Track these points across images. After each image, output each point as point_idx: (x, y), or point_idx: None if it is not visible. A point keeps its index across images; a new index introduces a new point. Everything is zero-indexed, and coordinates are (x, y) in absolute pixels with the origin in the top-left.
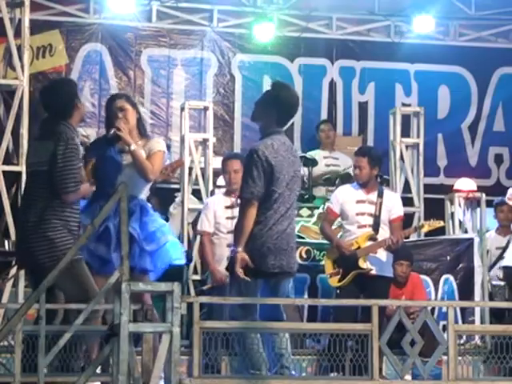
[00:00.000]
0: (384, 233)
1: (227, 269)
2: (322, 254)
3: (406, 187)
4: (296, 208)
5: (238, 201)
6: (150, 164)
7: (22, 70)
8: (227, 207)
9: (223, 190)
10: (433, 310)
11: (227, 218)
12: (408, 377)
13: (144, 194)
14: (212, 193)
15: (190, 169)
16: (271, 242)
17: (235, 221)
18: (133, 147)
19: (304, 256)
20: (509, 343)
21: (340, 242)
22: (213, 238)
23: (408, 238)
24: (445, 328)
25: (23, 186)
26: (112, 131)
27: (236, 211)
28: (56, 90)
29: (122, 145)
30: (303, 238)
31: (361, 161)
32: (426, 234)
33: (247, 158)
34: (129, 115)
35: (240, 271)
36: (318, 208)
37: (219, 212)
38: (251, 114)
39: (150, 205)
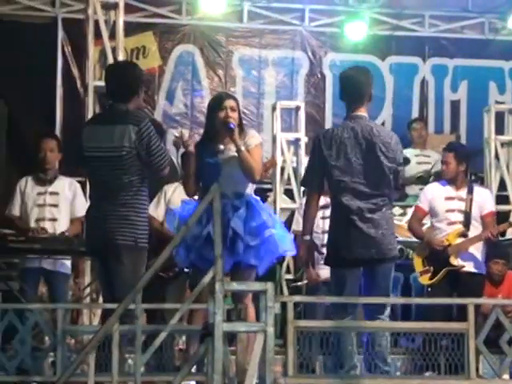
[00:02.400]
0: (475, 230)
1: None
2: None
3: (502, 185)
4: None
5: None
6: (255, 162)
7: None
8: (321, 207)
9: None
10: None
11: (321, 217)
12: (506, 376)
13: (250, 188)
14: (304, 193)
15: (282, 168)
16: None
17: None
18: (241, 150)
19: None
20: None
21: (431, 238)
22: None
23: (504, 233)
24: None
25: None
26: (228, 129)
27: (328, 211)
28: (122, 71)
29: (215, 147)
30: (396, 236)
31: (447, 156)
32: None
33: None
34: (238, 117)
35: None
36: (410, 206)
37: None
38: None
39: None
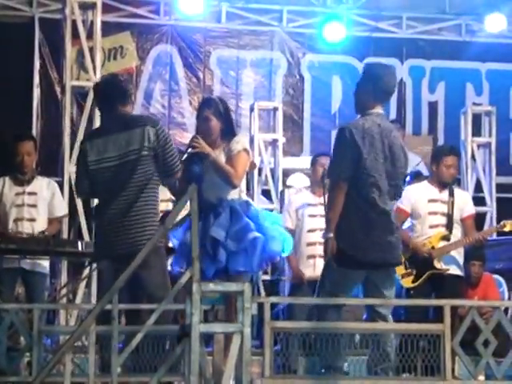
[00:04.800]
0: (457, 232)
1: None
2: None
3: (478, 187)
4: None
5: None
6: (232, 168)
7: (94, 72)
8: (310, 205)
9: (303, 187)
10: (506, 309)
11: (309, 216)
12: (481, 377)
13: (234, 193)
14: (282, 193)
15: (260, 169)
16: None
17: (316, 219)
18: (211, 158)
19: None
20: None
21: (417, 244)
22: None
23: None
24: None
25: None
26: (189, 150)
27: (317, 210)
28: (116, 82)
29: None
30: None
31: (456, 160)
32: (501, 234)
33: (336, 138)
34: (211, 126)
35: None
36: None
37: (302, 210)
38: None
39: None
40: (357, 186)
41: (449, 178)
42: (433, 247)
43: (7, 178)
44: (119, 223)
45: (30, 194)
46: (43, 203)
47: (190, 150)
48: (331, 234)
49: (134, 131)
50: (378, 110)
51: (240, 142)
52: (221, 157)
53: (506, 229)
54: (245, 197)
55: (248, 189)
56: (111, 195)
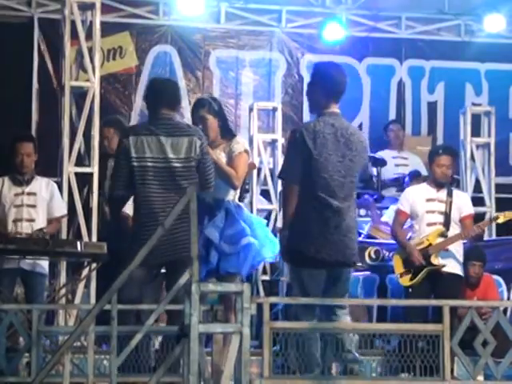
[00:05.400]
0: (454, 231)
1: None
2: (391, 254)
3: (477, 187)
4: (353, 198)
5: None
6: (233, 169)
7: (94, 72)
8: None
9: None
10: (505, 310)
11: None
12: (480, 377)
13: (231, 195)
14: (281, 193)
15: (259, 169)
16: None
17: None
18: (214, 157)
19: (373, 256)
20: None
21: (414, 251)
22: None
23: (482, 236)
24: None
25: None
26: None
27: None
28: (167, 85)
29: None
30: (372, 238)
31: (448, 159)
32: (501, 228)
33: (287, 140)
34: (209, 125)
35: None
36: (387, 208)
37: None
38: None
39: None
40: (309, 186)
41: (441, 177)
42: (430, 244)
43: (6, 179)
44: (166, 233)
45: (29, 194)
46: (42, 203)
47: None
48: (287, 233)
49: (182, 139)
50: (333, 109)
51: (240, 142)
52: (221, 157)
53: (500, 220)
54: (236, 201)
55: (248, 189)
56: (158, 199)
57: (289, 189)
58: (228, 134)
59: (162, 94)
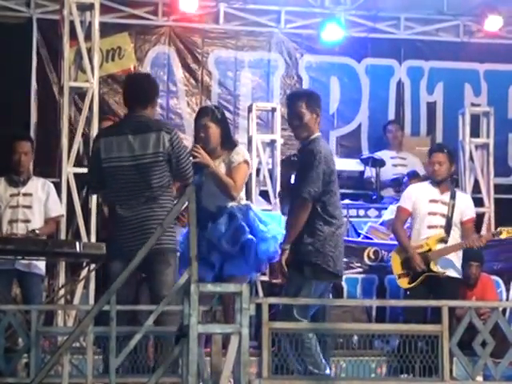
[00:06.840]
0: (455, 234)
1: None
2: (390, 254)
3: (476, 187)
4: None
5: None
6: (232, 180)
7: (92, 73)
8: None
9: None
10: (504, 310)
11: None
12: (479, 378)
13: (236, 200)
14: (280, 194)
15: (258, 170)
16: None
17: None
18: (211, 169)
19: (372, 257)
20: None
21: (416, 256)
22: None
23: (485, 245)
24: None
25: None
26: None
27: None
28: (144, 81)
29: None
30: (371, 238)
31: (441, 156)
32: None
33: (307, 159)
34: (211, 133)
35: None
36: (385, 209)
37: None
38: None
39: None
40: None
41: (432, 174)
42: (430, 249)
43: (2, 179)
44: (137, 226)
45: (24, 195)
46: (38, 204)
47: (190, 159)
48: (288, 246)
49: (149, 135)
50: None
51: (240, 153)
52: (220, 167)
53: (502, 236)
54: (244, 201)
55: (246, 190)
56: (127, 196)
57: (307, 206)
58: (229, 143)
59: (132, 91)
